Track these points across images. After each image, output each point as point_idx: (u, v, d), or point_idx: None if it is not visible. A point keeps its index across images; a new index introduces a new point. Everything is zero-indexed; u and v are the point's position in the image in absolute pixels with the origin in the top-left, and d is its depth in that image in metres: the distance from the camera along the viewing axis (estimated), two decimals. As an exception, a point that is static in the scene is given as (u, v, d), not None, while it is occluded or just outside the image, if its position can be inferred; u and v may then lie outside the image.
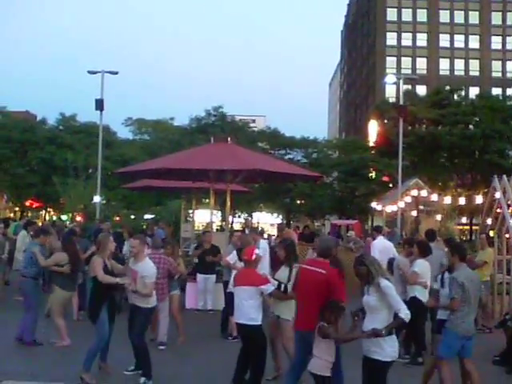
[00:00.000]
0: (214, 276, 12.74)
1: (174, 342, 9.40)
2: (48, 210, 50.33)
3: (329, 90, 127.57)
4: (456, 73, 67.80)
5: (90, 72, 26.80)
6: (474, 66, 68.76)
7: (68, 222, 29.56)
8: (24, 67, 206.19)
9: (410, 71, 62.88)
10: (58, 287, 9.27)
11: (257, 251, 7.32)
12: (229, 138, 15.50)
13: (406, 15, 69.91)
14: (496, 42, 69.22)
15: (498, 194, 13.81)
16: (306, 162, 45.02)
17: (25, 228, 14.49)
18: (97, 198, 27.76)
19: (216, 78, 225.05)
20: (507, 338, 9.05)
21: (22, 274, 9.55)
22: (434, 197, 25.41)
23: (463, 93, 49.22)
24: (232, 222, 41.07)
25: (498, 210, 13.70)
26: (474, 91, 54.07)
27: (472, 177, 42.68)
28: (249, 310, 6.88)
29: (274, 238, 19.44)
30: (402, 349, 6.91)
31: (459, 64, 68.86)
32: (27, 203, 46.89)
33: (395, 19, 69.68)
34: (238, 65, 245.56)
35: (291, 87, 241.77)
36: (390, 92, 55.02)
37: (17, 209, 50.48)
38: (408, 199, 25.41)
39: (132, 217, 32.57)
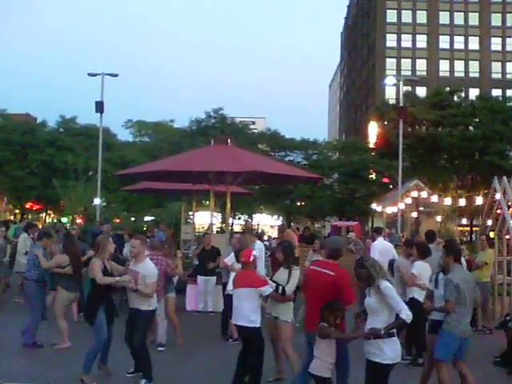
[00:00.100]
0: (214, 278, 12.73)
1: (173, 344, 9.38)
2: (48, 212, 50.33)
3: (329, 91, 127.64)
4: (456, 74, 67.80)
5: (90, 74, 26.79)
6: (474, 67, 68.77)
7: (68, 225, 29.53)
8: (24, 70, 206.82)
9: (409, 72, 63.01)
10: (61, 288, 9.27)
11: (254, 253, 7.34)
12: (229, 140, 15.47)
13: (406, 17, 69.94)
14: (496, 44, 69.22)
15: (498, 195, 13.82)
16: (306, 164, 44.98)
17: (25, 230, 14.44)
18: (97, 201, 27.77)
19: (216, 80, 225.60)
20: (508, 339, 9.04)
21: (25, 277, 9.55)
22: (435, 198, 25.40)
23: (463, 94, 49.33)
24: (232, 223, 41.06)
25: (499, 211, 13.72)
26: (473, 92, 54.21)
27: (472, 178, 42.72)
28: (248, 312, 6.88)
29: (274, 240, 19.46)
30: (403, 350, 6.88)
31: (459, 65, 68.85)
32: (27, 205, 46.88)
33: (395, 21, 69.72)
34: (238, 67, 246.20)
35: (291, 89, 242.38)
36: (390, 93, 55.04)
37: (17, 211, 50.44)
38: (408, 200, 25.38)
39: (132, 219, 32.66)
